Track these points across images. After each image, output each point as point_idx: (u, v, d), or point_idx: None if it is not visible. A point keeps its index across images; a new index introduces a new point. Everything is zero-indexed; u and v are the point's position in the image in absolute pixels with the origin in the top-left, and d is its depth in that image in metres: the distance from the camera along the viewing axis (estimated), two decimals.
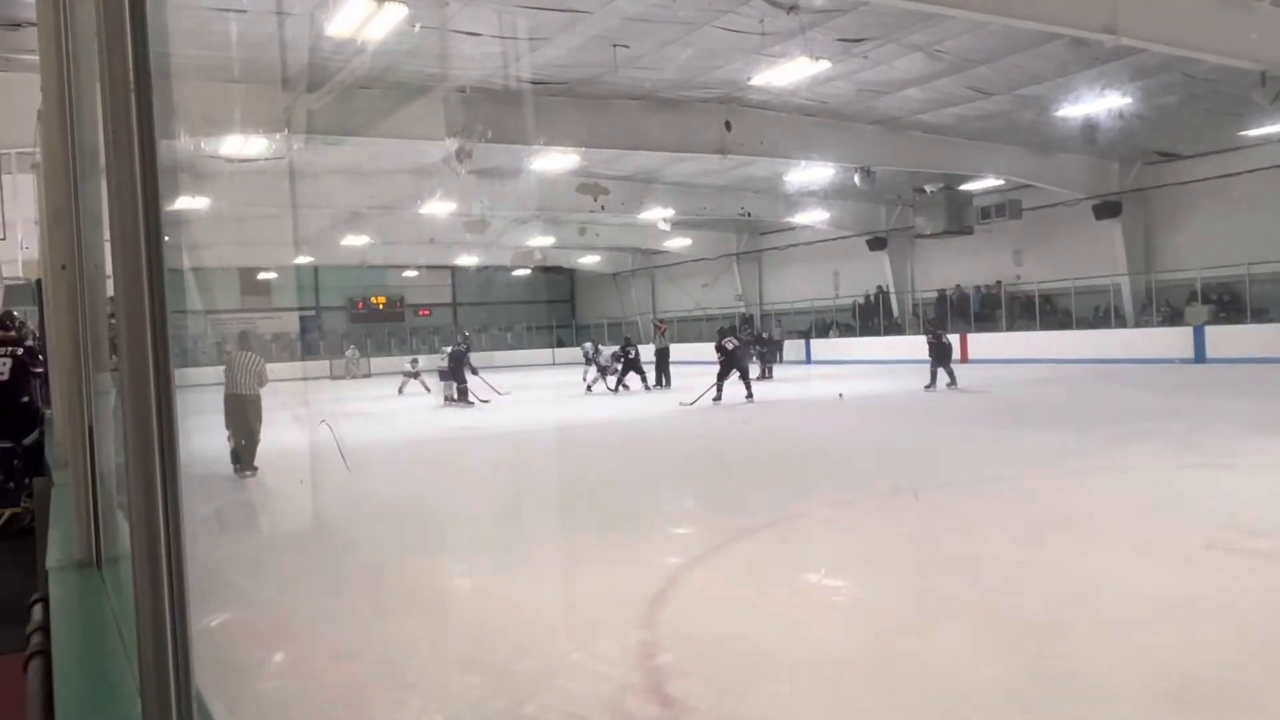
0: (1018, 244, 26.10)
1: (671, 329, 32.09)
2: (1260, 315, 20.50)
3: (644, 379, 20.23)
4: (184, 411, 1.05)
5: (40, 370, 8.72)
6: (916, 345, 20.63)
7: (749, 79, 14.77)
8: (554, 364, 38.24)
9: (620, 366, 20.16)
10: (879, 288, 30.22)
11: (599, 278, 43.47)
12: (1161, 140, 21.11)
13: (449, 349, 18.66)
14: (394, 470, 10.64)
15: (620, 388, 19.97)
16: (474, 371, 18.33)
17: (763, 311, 34.56)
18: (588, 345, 21.50)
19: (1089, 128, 18.10)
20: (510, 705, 3.61)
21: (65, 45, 1.94)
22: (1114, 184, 23.22)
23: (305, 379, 32.04)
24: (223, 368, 9.57)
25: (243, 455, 9.34)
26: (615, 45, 13.58)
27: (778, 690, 3.64)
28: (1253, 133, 19.00)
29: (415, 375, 22.48)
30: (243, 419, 9.31)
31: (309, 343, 38.61)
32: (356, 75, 13.84)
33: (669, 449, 11.70)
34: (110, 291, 1.04)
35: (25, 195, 10.86)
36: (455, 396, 18.26)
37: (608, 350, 20.97)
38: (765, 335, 25.96)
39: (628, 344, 20.71)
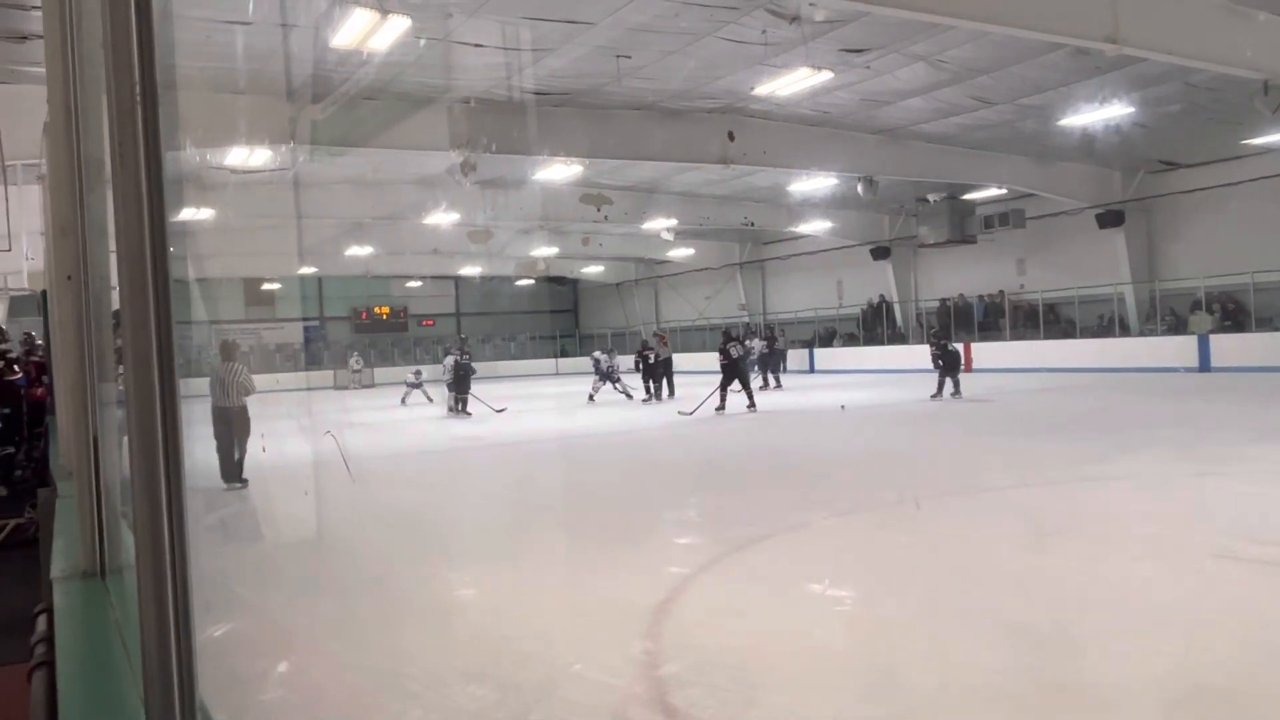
0: (1021, 253, 26.11)
1: (675, 339, 32.13)
2: (1264, 324, 20.48)
3: (656, 389, 20.22)
4: (189, 422, 1.05)
5: (15, 378, 8.72)
6: (920, 355, 20.63)
7: (752, 89, 14.79)
8: (557, 374, 38.27)
9: (640, 368, 20.22)
10: (881, 297, 30.24)
11: (602, 287, 43.54)
12: (1164, 149, 21.13)
13: (451, 359, 18.64)
14: (397, 480, 10.64)
15: (647, 394, 19.98)
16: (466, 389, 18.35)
17: (766, 321, 34.57)
18: (598, 354, 21.47)
19: (1091, 137, 18.13)
20: (514, 715, 3.60)
21: (71, 58, 1.95)
22: (1117, 193, 23.24)
23: (309, 389, 32.09)
24: (207, 380, 9.49)
25: (233, 468, 9.28)
26: (618, 56, 13.62)
27: (781, 700, 3.63)
28: (1255, 141, 19.01)
29: (418, 385, 22.52)
30: (230, 432, 9.26)
31: (313, 353, 38.67)
32: (361, 86, 13.90)
33: (672, 459, 11.69)
34: (115, 303, 1.04)
35: (31, 206, 10.90)
36: (457, 407, 18.29)
37: (604, 357, 20.99)
38: (774, 338, 25.82)
39: (645, 347, 20.76)
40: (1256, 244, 20.15)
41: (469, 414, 17.98)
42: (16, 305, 24.13)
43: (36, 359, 11.76)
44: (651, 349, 20.66)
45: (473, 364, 19.11)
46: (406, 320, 42.83)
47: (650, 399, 19.82)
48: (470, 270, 38.19)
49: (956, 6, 10.41)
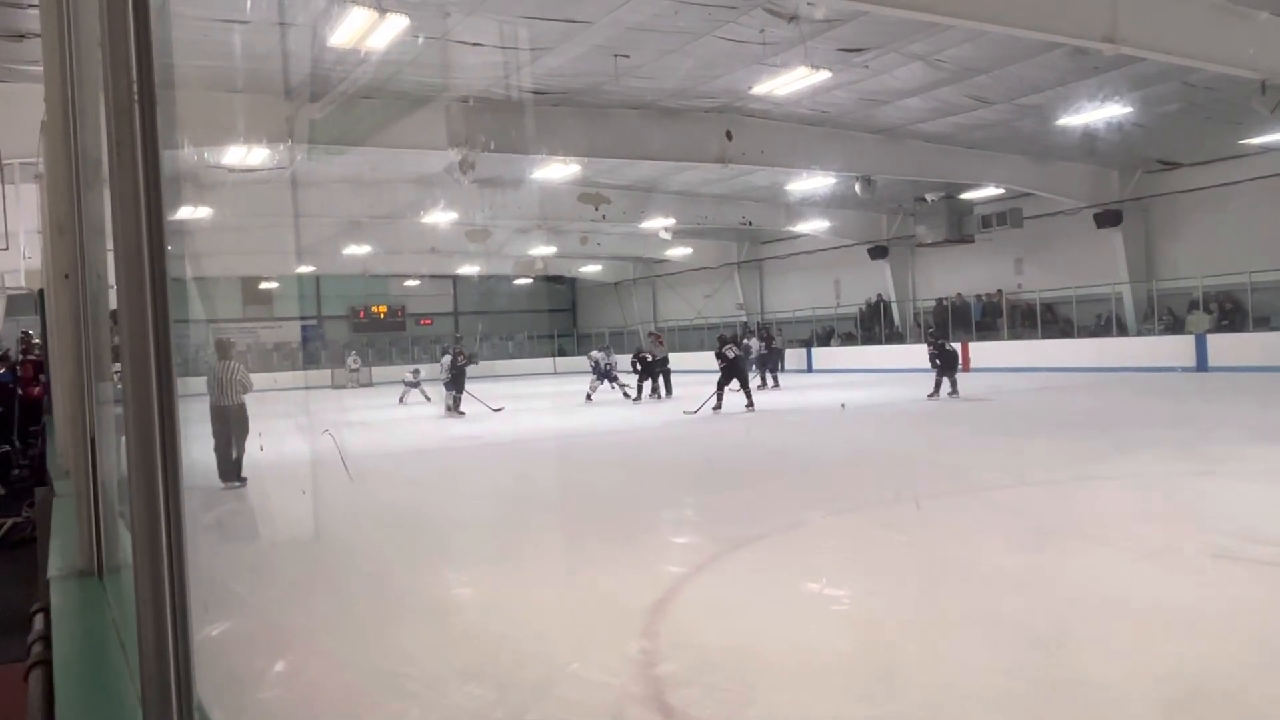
0: (1019, 252, 26.13)
1: (673, 338, 32.11)
2: (1262, 323, 20.50)
3: (654, 388, 20.24)
4: (186, 421, 1.05)
5: None
6: (918, 354, 20.64)
7: (750, 88, 14.80)
8: (555, 373, 38.27)
9: (638, 370, 20.27)
10: (878, 296, 30.25)
11: (600, 287, 43.54)
12: (1162, 149, 21.14)
13: (448, 358, 18.63)
14: (395, 479, 10.63)
15: (638, 393, 20.01)
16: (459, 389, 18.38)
17: (764, 320, 34.60)
18: (596, 354, 21.44)
19: (1089, 136, 18.14)
20: (511, 715, 3.60)
21: (69, 56, 1.95)
22: (1115, 192, 23.25)
23: (307, 388, 32.07)
24: (204, 379, 9.49)
25: (230, 466, 9.28)
26: (616, 55, 13.61)
27: (779, 699, 3.63)
28: (1253, 141, 19.03)
29: (416, 385, 22.49)
30: (228, 430, 9.26)
31: (310, 352, 38.64)
32: (359, 85, 13.89)
33: (669, 458, 11.69)
34: (113, 301, 1.04)
35: (28, 205, 10.89)
36: (452, 406, 18.27)
37: (601, 356, 21.00)
38: (771, 338, 25.83)
39: (640, 352, 20.82)
40: (1254, 243, 20.17)
41: (462, 413, 17.96)
42: (14, 304, 24.10)
43: (34, 357, 11.76)
44: (647, 351, 20.73)
45: (469, 360, 19.06)
46: (404, 319, 42.82)
47: (638, 398, 19.82)
48: (468, 269, 38.18)
49: (954, 6, 10.41)
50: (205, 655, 1.06)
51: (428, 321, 43.12)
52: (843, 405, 16.80)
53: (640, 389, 20.16)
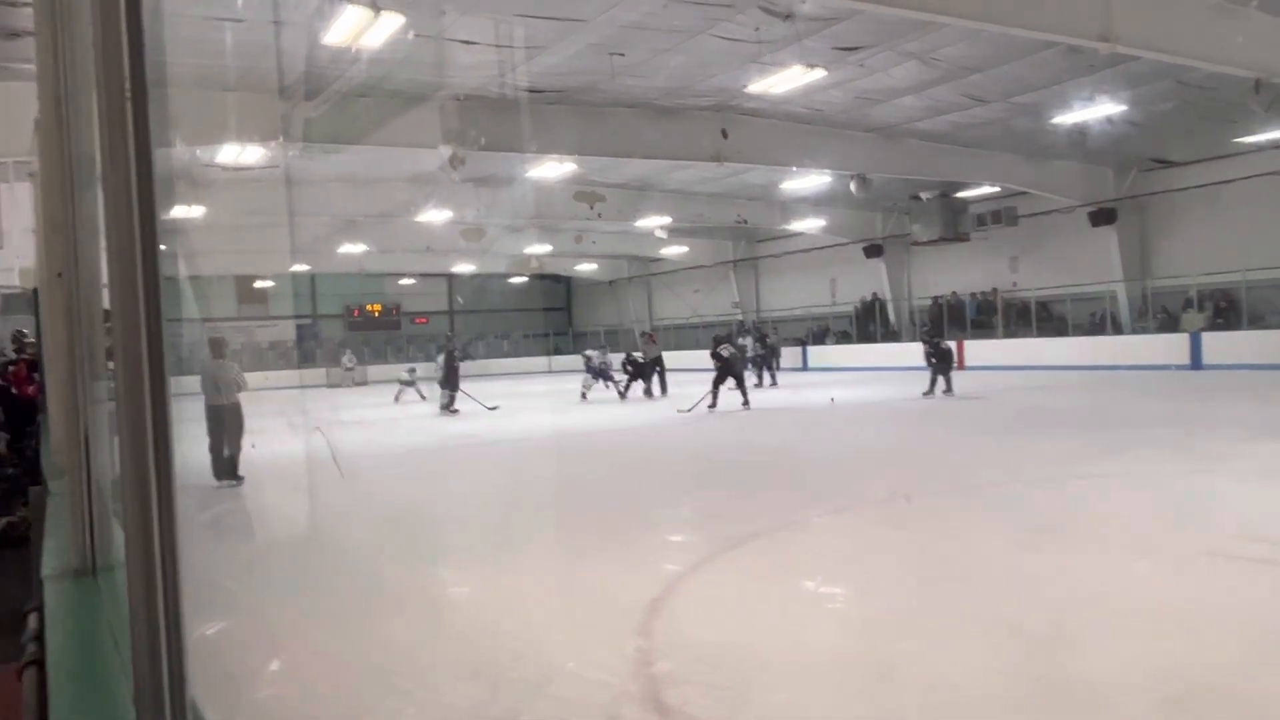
0: (1014, 251, 26.16)
1: (670, 337, 32.08)
2: (1257, 321, 20.54)
3: (647, 387, 20.26)
4: (180, 420, 1.05)
5: None
6: (913, 352, 20.67)
7: (745, 87, 14.80)
8: (550, 371, 38.25)
9: (629, 372, 20.29)
10: (874, 294, 30.28)
11: (596, 285, 43.52)
12: (1157, 147, 21.19)
13: (442, 357, 18.62)
14: (390, 478, 10.62)
15: (625, 390, 20.02)
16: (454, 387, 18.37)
17: (759, 319, 34.62)
18: (591, 353, 21.44)
19: (1084, 135, 18.17)
20: (506, 713, 3.60)
21: (62, 54, 1.94)
22: (1109, 191, 23.29)
23: (302, 386, 32.02)
24: (197, 378, 9.47)
25: (227, 465, 9.27)
26: (611, 53, 13.60)
27: (776, 698, 3.63)
28: (1248, 139, 19.07)
29: (411, 383, 22.48)
30: (223, 429, 9.25)
31: (305, 350, 38.59)
32: (353, 84, 13.85)
33: (665, 456, 11.69)
34: (107, 300, 1.04)
35: (22, 204, 10.86)
36: (447, 404, 18.25)
37: (595, 354, 21.03)
38: (765, 336, 25.86)
39: (631, 354, 20.88)
40: (1249, 242, 20.21)
41: (456, 411, 17.94)
42: (8, 303, 24.04)
43: (28, 356, 11.73)
44: (640, 350, 20.76)
45: (461, 354, 19.08)
46: (399, 318, 42.78)
47: (624, 396, 19.82)
48: (463, 268, 38.15)
49: (950, 4, 10.42)
50: (199, 654, 1.06)
51: (423, 320, 43.08)
52: (831, 399, 16.88)
53: (628, 387, 20.16)
